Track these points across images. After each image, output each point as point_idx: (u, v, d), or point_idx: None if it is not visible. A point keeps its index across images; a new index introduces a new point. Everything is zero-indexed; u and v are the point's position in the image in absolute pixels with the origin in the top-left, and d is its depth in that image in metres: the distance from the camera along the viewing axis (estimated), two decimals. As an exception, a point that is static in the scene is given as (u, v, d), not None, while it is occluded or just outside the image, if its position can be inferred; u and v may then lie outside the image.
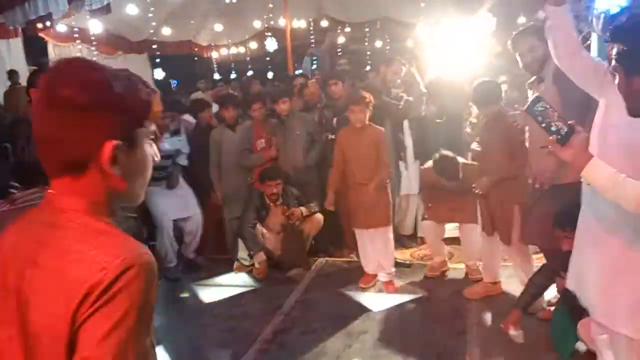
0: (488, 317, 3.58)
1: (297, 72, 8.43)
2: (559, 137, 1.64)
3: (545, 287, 3.17)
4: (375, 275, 4.23)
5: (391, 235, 4.19)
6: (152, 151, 1.01)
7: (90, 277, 0.83)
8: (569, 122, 1.65)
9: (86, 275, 0.83)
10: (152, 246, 4.74)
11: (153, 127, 1.01)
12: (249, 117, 5.20)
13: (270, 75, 11.44)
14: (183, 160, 4.91)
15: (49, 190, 0.95)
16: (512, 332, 3.00)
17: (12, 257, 0.93)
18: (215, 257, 5.03)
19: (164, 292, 4.49)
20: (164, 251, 4.66)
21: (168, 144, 4.68)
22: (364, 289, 4.16)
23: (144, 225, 4.64)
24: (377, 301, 3.94)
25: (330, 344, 3.39)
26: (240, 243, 4.73)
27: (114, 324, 0.83)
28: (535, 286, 3.13)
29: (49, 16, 7.10)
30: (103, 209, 0.94)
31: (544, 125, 1.66)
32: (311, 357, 3.24)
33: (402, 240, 5.00)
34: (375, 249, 4.16)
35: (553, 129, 1.65)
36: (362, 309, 3.85)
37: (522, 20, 6.59)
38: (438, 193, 4.10)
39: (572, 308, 2.51)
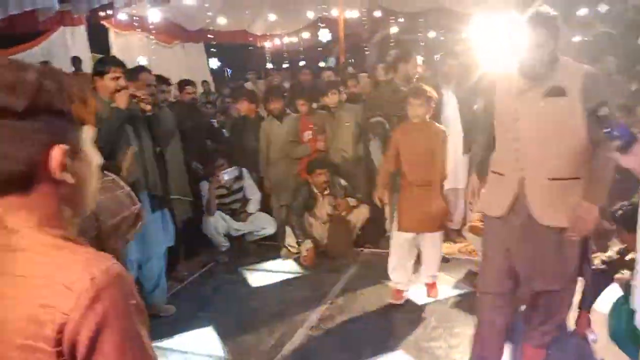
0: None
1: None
2: (621, 144, 1.65)
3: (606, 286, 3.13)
4: (403, 291, 3.90)
5: (441, 240, 3.97)
6: (97, 156, 0.93)
7: (62, 304, 0.75)
8: (631, 130, 1.66)
9: (56, 302, 0.75)
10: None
11: (92, 129, 0.91)
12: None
13: (322, 65, 11.50)
14: (254, 208, 5.11)
15: None
16: (591, 336, 3.00)
17: None
18: (264, 244, 5.15)
19: (215, 275, 4.67)
20: (210, 236, 4.83)
21: (227, 175, 4.90)
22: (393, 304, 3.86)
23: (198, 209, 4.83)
24: (422, 294, 3.95)
25: (374, 333, 3.45)
26: (289, 231, 4.84)
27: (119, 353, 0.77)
28: (595, 285, 3.07)
29: (111, 5, 7.41)
30: (57, 222, 0.85)
31: (606, 131, 1.67)
32: (355, 345, 3.30)
33: (450, 235, 4.98)
34: (424, 252, 3.92)
35: (615, 134, 1.66)
36: (407, 301, 3.87)
37: (583, 11, 6.36)
38: None
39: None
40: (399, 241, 3.87)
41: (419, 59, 4.64)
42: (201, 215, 4.85)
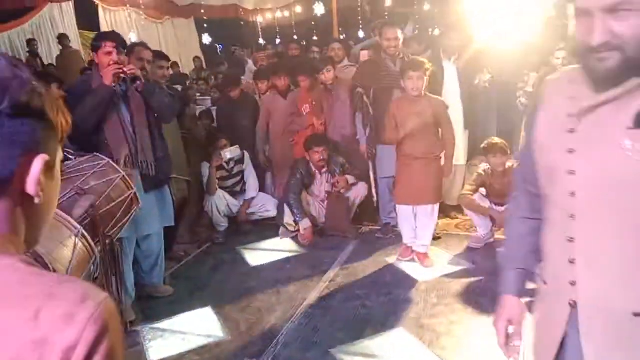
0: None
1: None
2: None
3: None
4: (411, 247, 4.14)
5: (437, 211, 4.07)
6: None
7: (59, 338, 0.60)
8: None
9: (53, 336, 0.59)
10: (202, 209, 4.88)
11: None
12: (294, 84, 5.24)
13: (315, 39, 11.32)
14: (251, 193, 5.03)
15: None
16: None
17: None
18: (262, 222, 5.11)
19: (212, 255, 4.63)
20: (212, 216, 4.78)
21: (229, 153, 4.79)
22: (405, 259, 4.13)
23: (196, 189, 4.77)
24: (421, 271, 3.93)
25: (373, 311, 3.42)
26: (286, 209, 4.80)
27: None
28: None
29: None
30: (18, 246, 0.70)
31: None
32: (355, 323, 3.28)
33: (447, 211, 4.94)
34: (418, 223, 4.04)
35: None
36: (407, 278, 3.85)
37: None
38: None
39: None
40: (402, 213, 4.08)
41: (399, 32, 4.35)
42: (199, 195, 4.79)
